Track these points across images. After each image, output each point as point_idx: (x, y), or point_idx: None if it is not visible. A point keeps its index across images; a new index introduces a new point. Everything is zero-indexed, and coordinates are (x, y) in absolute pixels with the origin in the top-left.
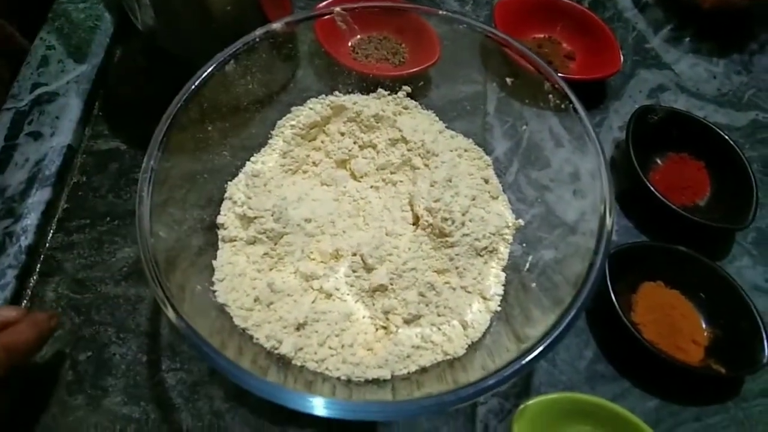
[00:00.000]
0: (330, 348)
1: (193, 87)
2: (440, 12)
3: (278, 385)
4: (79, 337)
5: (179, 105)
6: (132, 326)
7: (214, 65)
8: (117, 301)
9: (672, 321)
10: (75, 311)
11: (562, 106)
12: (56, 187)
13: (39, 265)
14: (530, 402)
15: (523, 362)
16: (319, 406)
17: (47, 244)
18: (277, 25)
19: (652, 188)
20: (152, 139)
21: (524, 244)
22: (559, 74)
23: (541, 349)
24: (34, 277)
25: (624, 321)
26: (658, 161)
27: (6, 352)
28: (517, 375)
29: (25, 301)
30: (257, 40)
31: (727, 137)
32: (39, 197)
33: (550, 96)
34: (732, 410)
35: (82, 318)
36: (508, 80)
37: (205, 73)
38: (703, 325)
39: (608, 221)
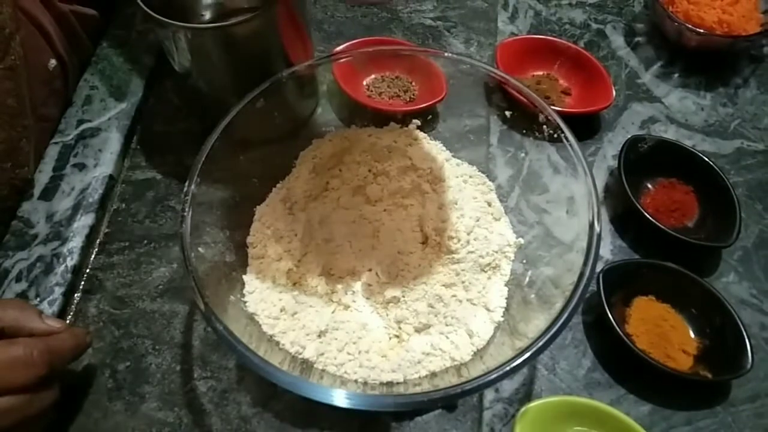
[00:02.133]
0: (348, 354)
1: (227, 122)
2: (446, 54)
3: (303, 379)
4: (118, 348)
5: (216, 137)
6: (167, 338)
7: (245, 102)
8: (153, 316)
9: (663, 332)
10: (115, 325)
11: (556, 136)
12: (98, 213)
13: (83, 284)
14: (531, 404)
15: (518, 361)
16: (338, 396)
17: (90, 265)
18: (300, 68)
19: (643, 211)
20: (192, 168)
21: (525, 261)
22: (556, 108)
23: (534, 349)
24: (78, 295)
25: (618, 332)
26: (650, 186)
27: (50, 354)
28: (513, 372)
29: (69, 316)
30: (283, 80)
31: (713, 164)
32: (83, 222)
33: (545, 127)
34: (721, 414)
35: (121, 331)
36: (508, 113)
37: (238, 110)
38: (692, 336)
39: (595, 233)
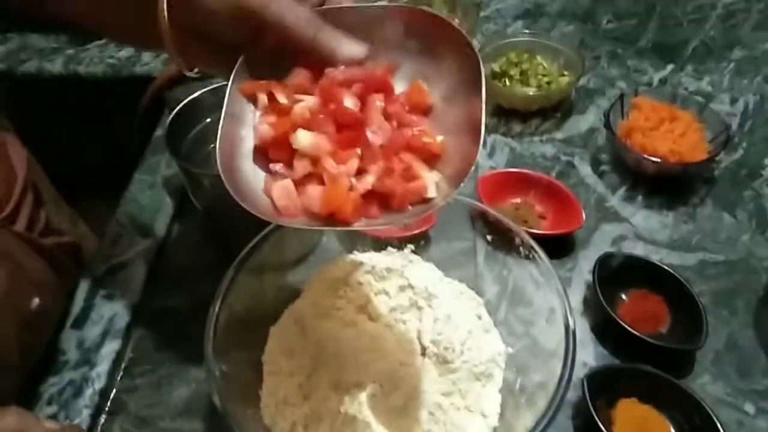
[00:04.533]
0: None
1: (245, 253)
2: None
3: None
4: None
5: (235, 267)
6: None
7: (261, 236)
8: None
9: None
10: None
11: (530, 255)
12: (124, 339)
13: (108, 405)
14: None
15: None
16: None
17: (115, 387)
18: None
19: (620, 321)
20: (216, 294)
21: (515, 370)
22: (533, 231)
23: None
24: (104, 416)
25: None
26: (624, 297)
27: None
28: None
29: None
30: None
31: (678, 276)
32: (110, 348)
33: (521, 248)
34: None
35: None
36: (489, 237)
37: (254, 242)
38: None
39: (570, 335)
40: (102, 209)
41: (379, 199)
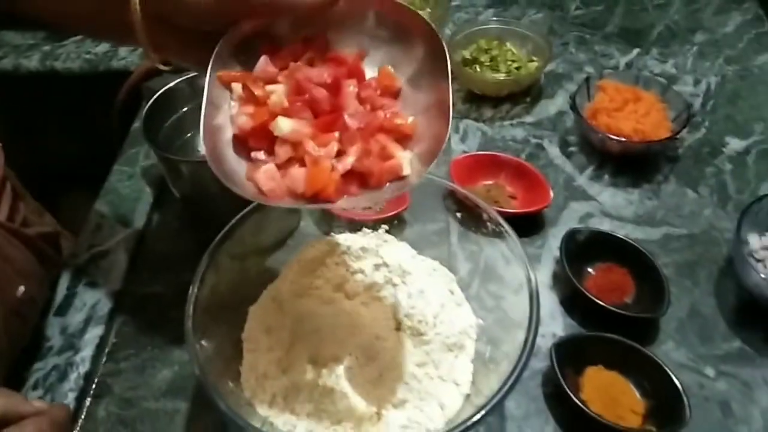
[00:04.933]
0: (335, 430)
1: (222, 236)
2: None
3: None
4: None
5: (213, 250)
6: None
7: (237, 219)
8: (157, 414)
9: (613, 396)
10: (122, 425)
11: (498, 230)
12: (107, 325)
13: (93, 389)
14: None
15: (476, 418)
16: None
17: (100, 371)
18: None
19: (587, 292)
20: (195, 274)
21: (485, 340)
22: (504, 209)
23: (488, 407)
24: (89, 399)
25: (574, 399)
26: (591, 270)
27: (56, 427)
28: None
29: (81, 419)
30: None
31: (642, 249)
32: (93, 333)
33: (488, 224)
34: None
35: (128, 430)
36: (459, 215)
37: (231, 224)
38: (639, 398)
39: (534, 296)
40: (79, 203)
41: (358, 178)
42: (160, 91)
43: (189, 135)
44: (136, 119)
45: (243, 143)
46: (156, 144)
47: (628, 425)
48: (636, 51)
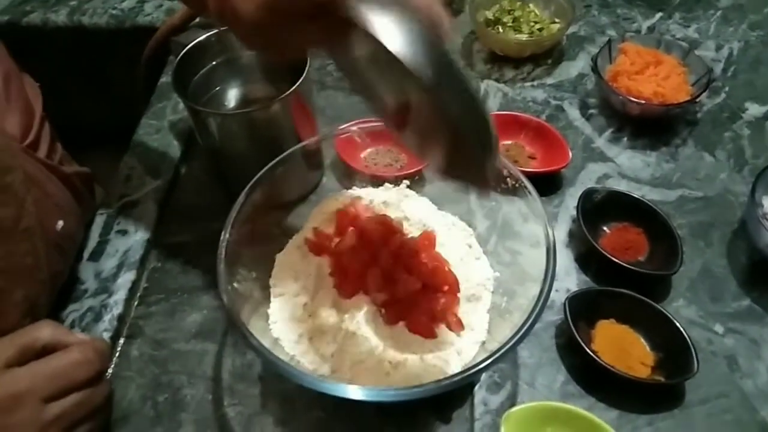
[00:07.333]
0: (356, 372)
1: (251, 187)
2: None
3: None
4: (158, 383)
5: (243, 199)
6: (199, 373)
7: (265, 171)
8: (187, 355)
9: (624, 348)
10: (154, 364)
11: (518, 185)
12: (139, 270)
13: (126, 330)
14: (513, 410)
15: (489, 361)
16: (353, 391)
17: (132, 314)
18: (308, 143)
19: (602, 250)
20: (225, 222)
21: (501, 292)
22: (523, 168)
23: (502, 351)
24: (122, 339)
25: (586, 350)
26: (606, 230)
27: (99, 353)
28: (483, 371)
29: (116, 357)
30: (295, 153)
31: (658, 209)
32: (126, 278)
33: (508, 179)
34: (678, 416)
35: (160, 369)
36: None
37: (258, 177)
38: (649, 350)
39: (552, 252)
40: (106, 158)
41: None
42: (190, 45)
43: (217, 89)
44: (163, 74)
45: None
46: (185, 97)
47: (637, 375)
48: (659, 15)
